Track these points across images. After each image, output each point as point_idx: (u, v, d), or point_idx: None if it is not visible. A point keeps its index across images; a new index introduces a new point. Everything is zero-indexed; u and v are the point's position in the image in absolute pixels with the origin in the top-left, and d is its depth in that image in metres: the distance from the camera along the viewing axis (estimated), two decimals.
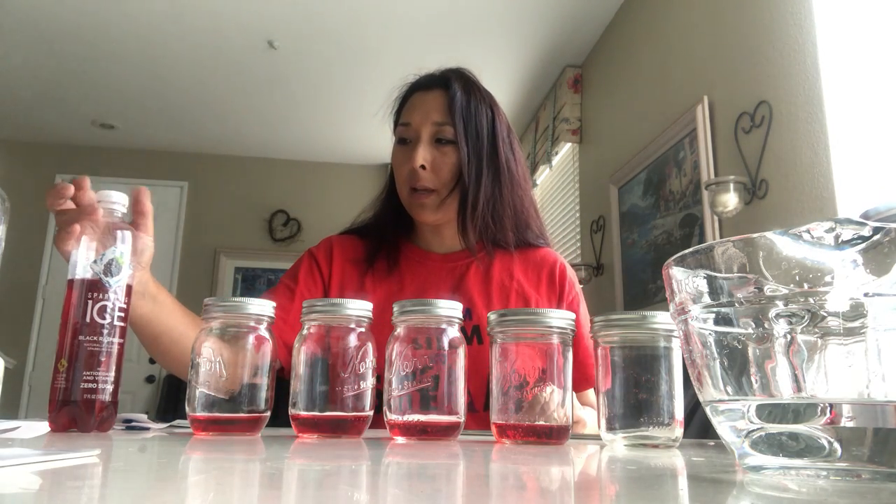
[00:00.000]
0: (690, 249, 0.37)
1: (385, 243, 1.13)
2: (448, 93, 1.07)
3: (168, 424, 0.80)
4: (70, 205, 0.71)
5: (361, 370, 0.65)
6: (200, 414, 0.64)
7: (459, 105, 1.06)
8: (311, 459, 0.45)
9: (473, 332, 1.04)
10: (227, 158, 5.14)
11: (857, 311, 0.32)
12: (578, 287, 1.16)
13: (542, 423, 0.61)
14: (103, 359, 0.67)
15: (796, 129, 1.79)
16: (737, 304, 0.35)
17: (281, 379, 0.81)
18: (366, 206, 1.21)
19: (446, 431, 0.63)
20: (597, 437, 0.68)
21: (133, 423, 0.77)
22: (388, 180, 1.18)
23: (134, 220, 0.79)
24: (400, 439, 0.63)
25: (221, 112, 4.40)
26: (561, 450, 0.57)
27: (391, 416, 0.63)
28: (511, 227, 1.10)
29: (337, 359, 0.65)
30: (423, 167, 1.04)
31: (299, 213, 5.08)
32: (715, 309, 0.36)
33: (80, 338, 0.66)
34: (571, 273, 1.16)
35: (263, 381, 0.66)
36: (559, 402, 0.61)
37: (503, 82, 3.79)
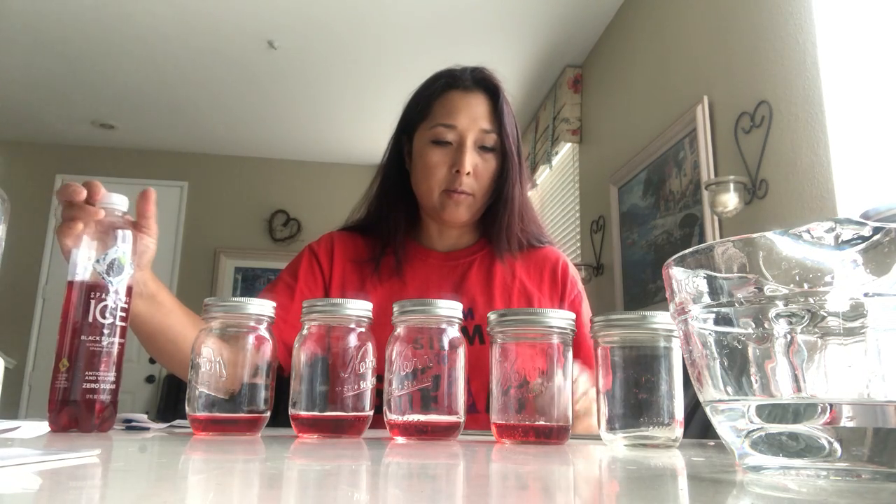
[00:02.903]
0: (690, 249, 0.37)
1: (390, 243, 1.11)
2: (492, 100, 1.09)
3: (168, 424, 0.80)
4: (81, 195, 0.71)
5: (361, 370, 0.65)
6: (200, 414, 0.64)
7: (505, 115, 1.08)
8: (311, 459, 0.45)
9: (475, 332, 1.03)
10: (227, 158, 5.14)
11: (857, 311, 0.31)
12: (581, 286, 1.15)
13: (542, 423, 0.61)
14: (104, 359, 0.67)
15: (796, 129, 1.79)
16: (737, 304, 0.35)
17: (281, 378, 0.81)
18: (358, 203, 1.18)
19: (446, 431, 0.63)
20: (596, 438, 0.68)
21: (133, 423, 0.77)
22: (381, 177, 1.16)
23: (137, 221, 0.79)
24: (400, 439, 0.63)
25: (221, 112, 4.40)
26: (561, 450, 0.57)
27: (391, 416, 0.63)
28: (525, 229, 1.12)
29: (337, 359, 0.65)
30: (467, 172, 1.05)
31: (299, 213, 5.08)
32: (715, 309, 0.36)
33: (82, 338, 0.66)
34: (574, 271, 1.15)
35: (263, 381, 0.66)
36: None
37: (503, 82, 3.78)
